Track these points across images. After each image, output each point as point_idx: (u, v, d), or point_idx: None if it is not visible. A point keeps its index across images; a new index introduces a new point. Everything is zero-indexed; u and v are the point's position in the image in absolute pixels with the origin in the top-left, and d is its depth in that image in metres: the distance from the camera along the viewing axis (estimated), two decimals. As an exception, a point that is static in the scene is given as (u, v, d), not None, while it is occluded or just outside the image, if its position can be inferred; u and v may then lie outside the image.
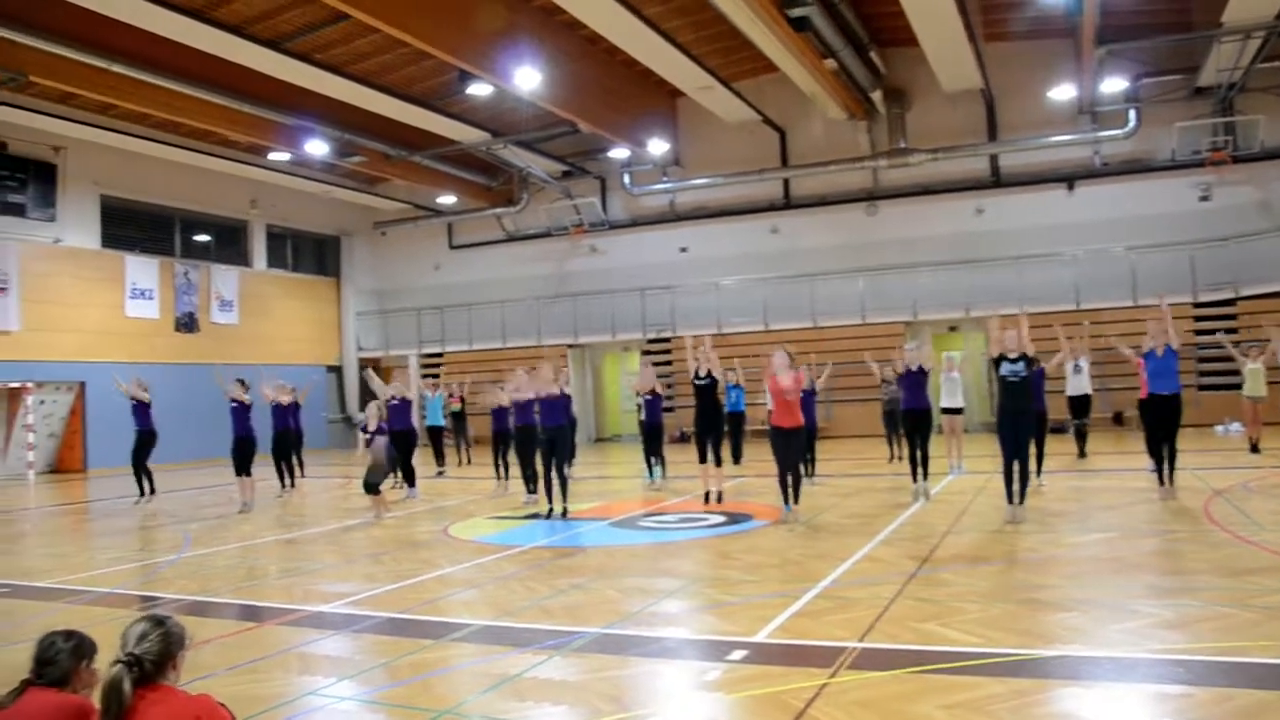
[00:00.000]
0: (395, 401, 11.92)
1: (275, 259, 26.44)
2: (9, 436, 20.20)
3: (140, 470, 12.31)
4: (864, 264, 21.43)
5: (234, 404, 12.01)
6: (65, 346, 20.65)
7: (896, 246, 21.46)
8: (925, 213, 21.26)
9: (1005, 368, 7.57)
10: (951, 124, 20.97)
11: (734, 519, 8.79)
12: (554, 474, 9.50)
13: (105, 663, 3.33)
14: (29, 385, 20.26)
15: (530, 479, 10.31)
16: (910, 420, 9.37)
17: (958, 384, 11.06)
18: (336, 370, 27.52)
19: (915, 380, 9.01)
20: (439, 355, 26.49)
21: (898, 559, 7.14)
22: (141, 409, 12.63)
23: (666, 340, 22.77)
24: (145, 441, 12.47)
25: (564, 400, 9.56)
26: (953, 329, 21.06)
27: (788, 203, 22.57)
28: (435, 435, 15.55)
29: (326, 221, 27.05)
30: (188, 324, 23.30)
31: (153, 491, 12.46)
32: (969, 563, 6.86)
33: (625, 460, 15.40)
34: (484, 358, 24.72)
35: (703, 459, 9.77)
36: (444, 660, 5.32)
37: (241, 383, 12.44)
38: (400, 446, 11.44)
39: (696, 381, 9.87)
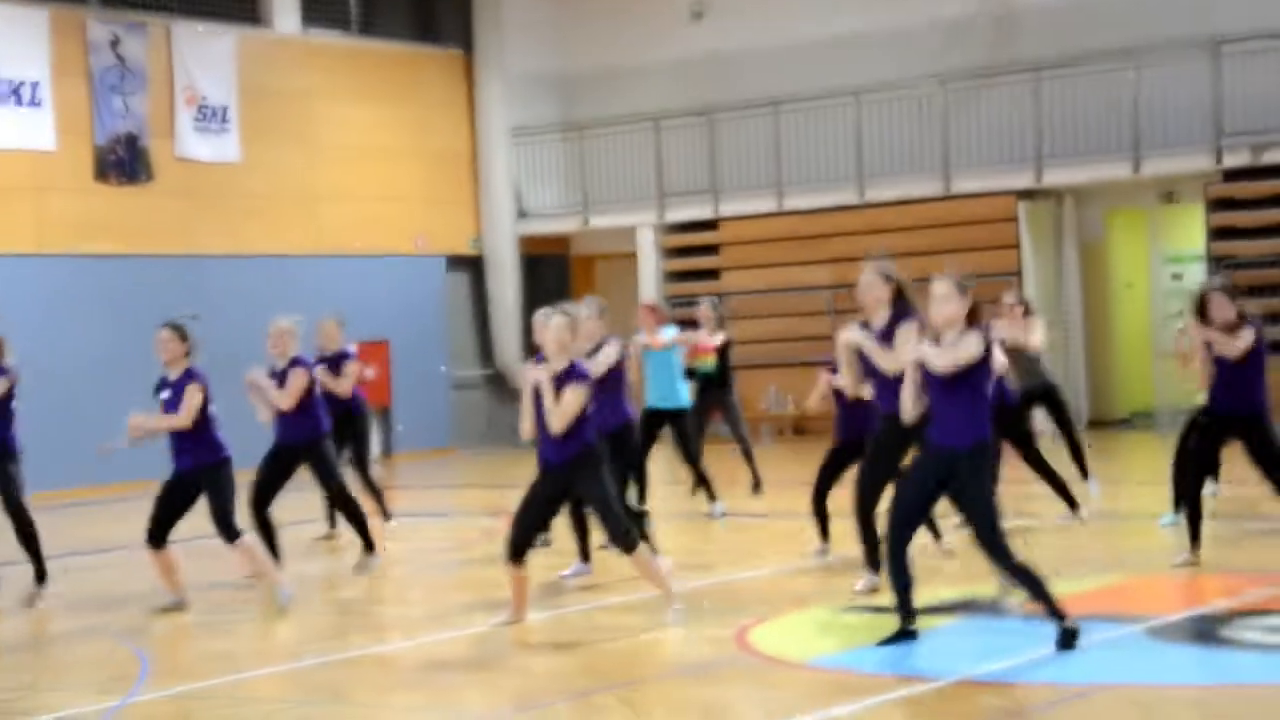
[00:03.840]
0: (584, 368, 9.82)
1: (323, 10, 25.06)
2: None
3: (23, 528, 10.82)
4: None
5: (316, 360, 12.30)
6: None
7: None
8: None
9: None
10: None
11: None
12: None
13: None
14: None
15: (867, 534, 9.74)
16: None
17: None
18: (472, 264, 26.69)
19: None
20: (709, 224, 25.31)
21: None
22: None
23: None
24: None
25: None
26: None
27: None
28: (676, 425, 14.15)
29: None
30: (124, 162, 22.34)
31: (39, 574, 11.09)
32: None
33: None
34: (820, 226, 23.64)
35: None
36: None
37: (337, 324, 13.26)
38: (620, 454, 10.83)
39: None
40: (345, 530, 11.81)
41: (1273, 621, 7.39)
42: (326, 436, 11.08)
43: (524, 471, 24.07)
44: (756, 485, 13.95)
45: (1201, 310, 9.09)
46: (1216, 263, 19.71)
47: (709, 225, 24.22)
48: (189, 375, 9.40)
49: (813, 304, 21.58)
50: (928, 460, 7.33)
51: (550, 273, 25.53)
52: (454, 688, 7.01)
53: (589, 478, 8.27)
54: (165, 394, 9.37)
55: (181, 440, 9.22)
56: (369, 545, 10.62)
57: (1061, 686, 6.39)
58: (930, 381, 7.29)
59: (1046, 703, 6.15)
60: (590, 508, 8.53)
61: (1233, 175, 19.62)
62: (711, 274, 23.85)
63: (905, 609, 7.26)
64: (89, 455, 12.05)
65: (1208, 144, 19.39)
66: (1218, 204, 19.81)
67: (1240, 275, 19.02)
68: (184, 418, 9.24)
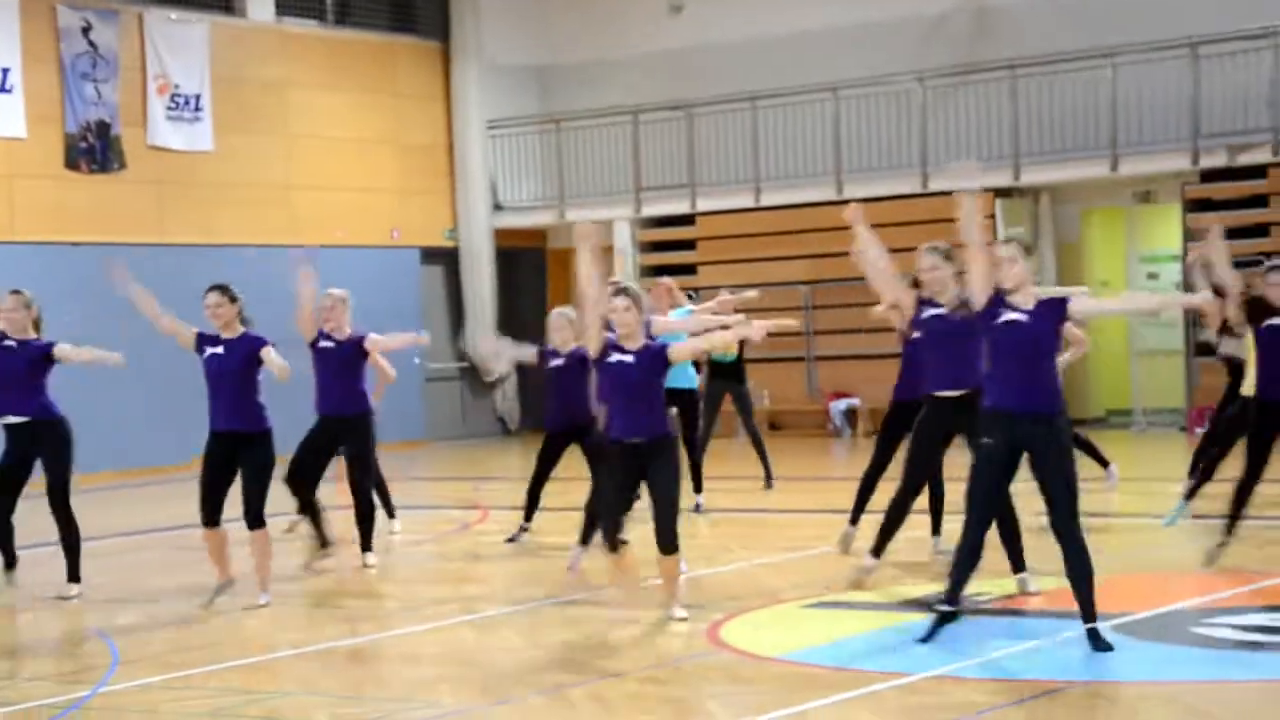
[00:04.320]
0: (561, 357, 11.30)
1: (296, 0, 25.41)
2: None
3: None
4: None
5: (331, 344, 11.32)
6: None
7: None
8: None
9: None
10: None
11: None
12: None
13: None
14: None
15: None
16: None
17: None
18: (447, 257, 26.59)
19: None
20: (687, 219, 25.40)
21: None
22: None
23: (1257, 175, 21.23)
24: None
25: None
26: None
27: None
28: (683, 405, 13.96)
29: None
30: (96, 150, 22.31)
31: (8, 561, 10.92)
32: None
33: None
34: (797, 222, 23.53)
35: None
36: None
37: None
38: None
39: None
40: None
41: (1244, 619, 7.44)
42: (372, 413, 11.05)
43: (499, 463, 23.77)
44: (769, 480, 13.90)
45: (1255, 304, 9.23)
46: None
47: (686, 220, 24.28)
48: (259, 338, 9.37)
49: (790, 299, 21.59)
50: (1007, 431, 7.22)
51: (526, 266, 25.42)
52: (426, 681, 7.01)
53: (666, 463, 8.20)
54: (218, 349, 9.28)
55: (239, 401, 9.15)
56: (367, 543, 10.53)
57: (1033, 682, 6.42)
58: (1014, 348, 7.24)
59: (1018, 698, 6.18)
60: (657, 493, 8.34)
61: (1210, 176, 19.68)
62: (688, 269, 23.86)
63: (956, 594, 7.25)
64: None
65: (1185, 144, 19.46)
66: (1195, 204, 19.87)
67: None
68: (286, 371, 9.26)
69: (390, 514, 12.49)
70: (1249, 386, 9.98)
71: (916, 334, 9.29)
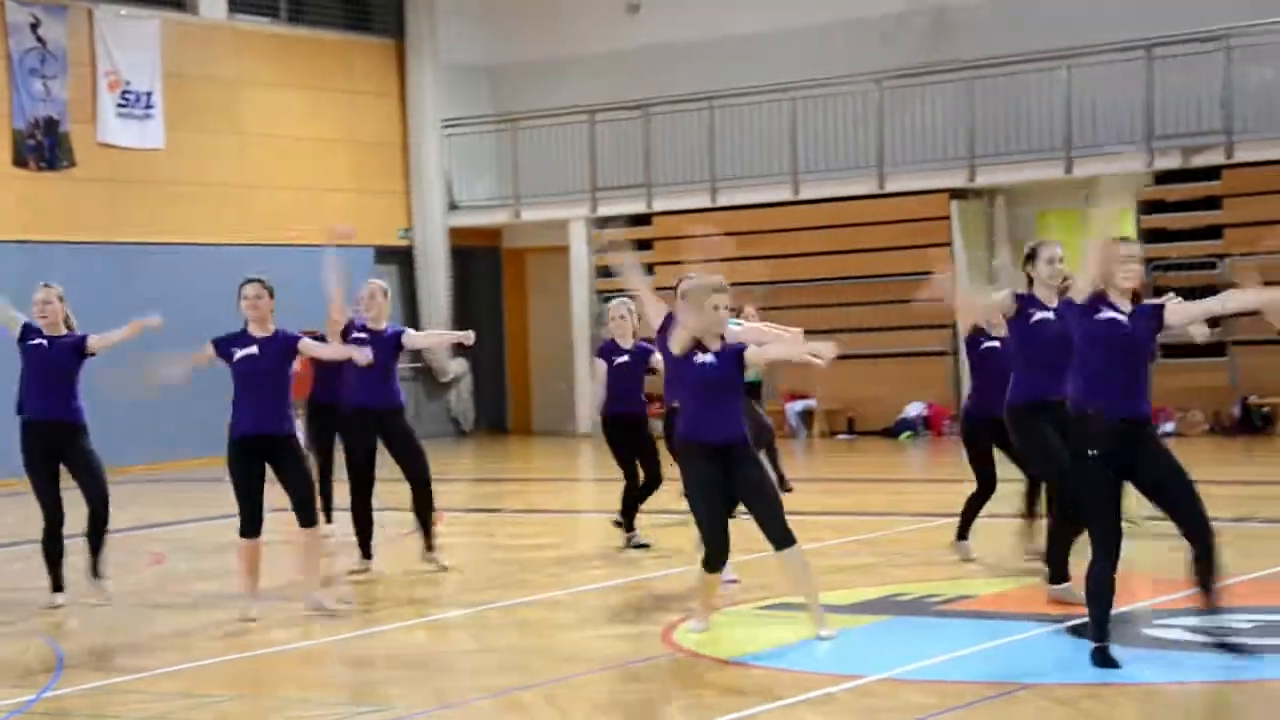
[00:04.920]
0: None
1: (248, -4, 25.28)
2: None
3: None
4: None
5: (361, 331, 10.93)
6: None
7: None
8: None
9: None
10: None
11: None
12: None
13: None
14: None
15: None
16: None
17: None
18: (402, 256, 26.43)
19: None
20: (643, 219, 25.34)
21: None
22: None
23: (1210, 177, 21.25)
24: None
25: None
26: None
27: None
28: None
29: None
30: (44, 147, 22.21)
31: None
32: None
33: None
34: (754, 222, 23.27)
35: None
36: None
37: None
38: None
39: None
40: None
41: (1195, 620, 7.49)
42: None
43: (455, 466, 23.70)
44: (782, 482, 13.87)
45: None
46: (1148, 264, 20.11)
47: (643, 220, 24.39)
48: (294, 334, 9.02)
49: (746, 300, 21.92)
50: (1120, 439, 6.93)
51: (481, 266, 25.43)
52: (376, 684, 7.00)
53: (753, 462, 8.03)
54: (250, 349, 8.78)
55: (274, 403, 8.76)
56: (367, 550, 10.38)
57: (985, 684, 6.46)
58: (1127, 353, 7.04)
59: (969, 701, 6.22)
60: (752, 498, 8.01)
61: (1164, 178, 19.87)
62: (645, 269, 24.09)
63: (1103, 631, 6.81)
64: (10, 445, 11.72)
65: (1139, 146, 19.65)
66: (1149, 206, 20.06)
67: (1170, 277, 19.44)
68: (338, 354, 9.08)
69: (329, 518, 12.20)
70: None
71: (1003, 337, 9.15)
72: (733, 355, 8.03)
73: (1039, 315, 8.51)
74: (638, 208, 24.25)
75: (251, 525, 8.67)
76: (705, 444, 7.88)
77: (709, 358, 7.98)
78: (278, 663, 7.55)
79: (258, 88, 24.25)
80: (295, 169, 24.08)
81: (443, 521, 13.51)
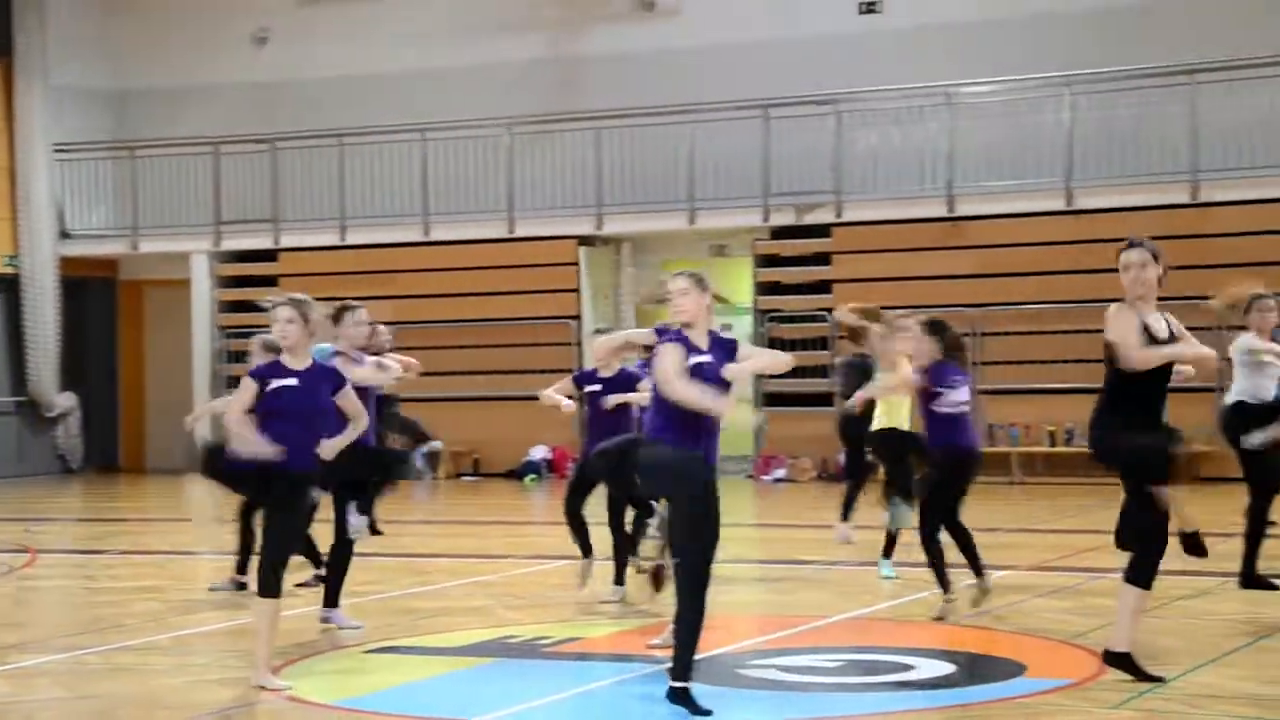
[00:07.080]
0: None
1: None
2: None
3: None
4: None
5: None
6: None
7: None
8: None
9: None
10: None
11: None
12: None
13: None
14: None
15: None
16: None
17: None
18: (6, 284, 25.48)
19: None
20: (269, 254, 24.90)
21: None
22: None
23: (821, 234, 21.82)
24: None
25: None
26: None
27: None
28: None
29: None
30: None
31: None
32: None
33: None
34: (384, 261, 23.55)
35: None
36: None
37: None
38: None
39: None
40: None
41: (790, 660, 7.73)
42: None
43: (59, 505, 22.42)
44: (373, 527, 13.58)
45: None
46: (762, 316, 20.71)
47: (268, 255, 23.67)
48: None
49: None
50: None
51: (95, 297, 24.55)
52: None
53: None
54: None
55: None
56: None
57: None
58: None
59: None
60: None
61: (779, 233, 20.57)
62: (269, 307, 23.34)
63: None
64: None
65: (757, 202, 20.30)
66: (764, 260, 20.70)
67: (783, 329, 20.17)
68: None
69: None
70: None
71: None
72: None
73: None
74: (264, 243, 23.57)
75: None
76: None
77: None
78: None
79: None
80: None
81: (35, 563, 12.84)
